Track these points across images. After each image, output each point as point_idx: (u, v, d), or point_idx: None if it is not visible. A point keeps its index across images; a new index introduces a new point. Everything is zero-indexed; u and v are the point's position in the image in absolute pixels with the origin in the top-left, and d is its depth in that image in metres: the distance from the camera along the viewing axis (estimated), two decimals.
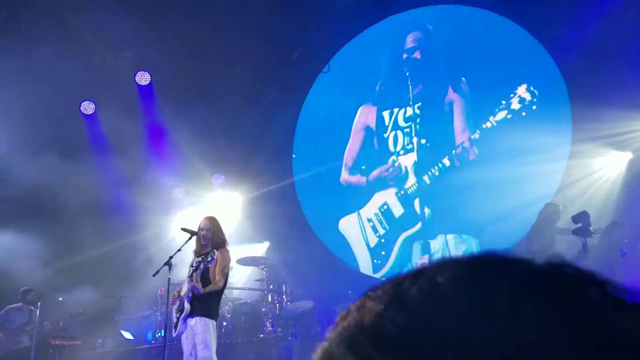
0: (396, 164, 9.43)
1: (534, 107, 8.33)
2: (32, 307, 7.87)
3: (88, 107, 9.89)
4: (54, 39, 8.50)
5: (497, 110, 8.54)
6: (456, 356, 0.38)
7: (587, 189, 7.98)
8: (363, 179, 9.79)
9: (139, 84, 9.74)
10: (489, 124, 8.61)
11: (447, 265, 0.44)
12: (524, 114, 8.37)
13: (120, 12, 8.58)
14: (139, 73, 9.67)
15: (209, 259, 5.18)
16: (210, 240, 5.50)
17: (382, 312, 0.42)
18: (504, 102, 8.49)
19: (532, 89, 8.39)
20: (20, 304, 8.15)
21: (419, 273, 0.44)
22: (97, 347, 8.44)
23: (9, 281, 8.92)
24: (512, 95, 8.46)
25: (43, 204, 9.39)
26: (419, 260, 8.15)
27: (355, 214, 9.77)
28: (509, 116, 8.45)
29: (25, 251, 9.31)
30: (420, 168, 9.20)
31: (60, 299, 8.97)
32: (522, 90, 8.40)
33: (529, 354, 0.38)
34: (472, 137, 8.79)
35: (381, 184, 9.58)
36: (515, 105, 8.41)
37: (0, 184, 9.08)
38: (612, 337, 0.39)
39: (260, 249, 9.68)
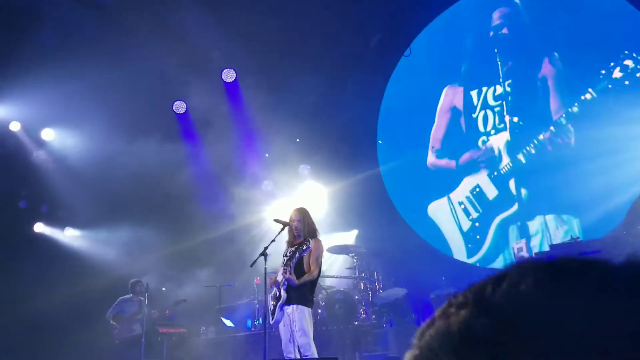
0: (487, 145, 9.08)
1: (638, 75, 7.67)
2: (141, 298, 8.43)
3: (180, 107, 10.37)
4: (151, 36, 8.99)
5: (596, 81, 7.95)
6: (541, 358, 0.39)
7: None
8: (452, 163, 9.52)
9: (225, 81, 10.06)
10: (588, 96, 8.04)
11: (528, 270, 0.44)
12: (627, 82, 7.72)
13: (205, 11, 8.91)
14: (225, 70, 9.99)
15: (304, 247, 5.28)
16: (302, 230, 5.60)
17: (470, 318, 0.42)
18: (603, 71, 7.89)
19: (634, 55, 7.72)
20: (131, 294, 8.75)
21: (500, 279, 0.44)
22: (201, 334, 8.89)
23: (119, 273, 9.64)
24: (612, 64, 7.83)
25: (142, 200, 10.01)
26: (516, 244, 7.79)
27: (445, 198, 9.53)
28: (609, 86, 7.83)
29: (131, 244, 10.01)
30: (513, 147, 8.79)
31: (164, 289, 9.53)
32: (624, 58, 7.76)
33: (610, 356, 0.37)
34: (570, 110, 8.25)
35: (471, 167, 9.26)
36: (616, 74, 7.79)
37: (103, 181, 9.79)
38: None
39: (349, 237, 9.71)
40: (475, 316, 0.42)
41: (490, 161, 9.02)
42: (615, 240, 5.88)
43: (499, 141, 8.97)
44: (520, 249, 6.92)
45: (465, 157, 9.32)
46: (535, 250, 7.96)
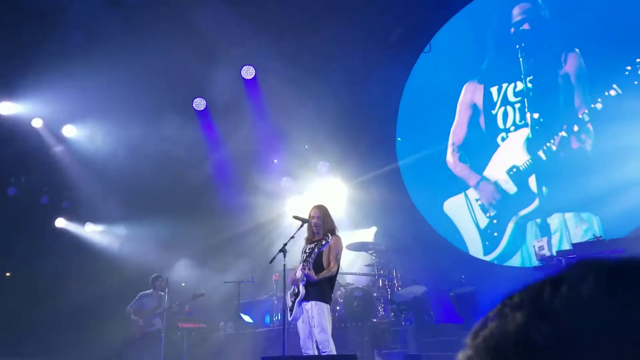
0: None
1: None
2: (162, 293, 8.52)
3: (200, 104, 10.43)
4: (172, 33, 9.06)
5: (622, 77, 7.82)
6: None
7: None
8: (472, 174, 9.47)
9: (244, 78, 10.09)
10: (612, 92, 7.91)
11: (588, 271, 0.41)
12: None
13: (225, 6, 8.94)
14: (244, 67, 10.02)
15: (323, 243, 5.29)
16: (321, 227, 5.61)
17: (527, 322, 0.40)
18: (629, 67, 7.76)
19: None
20: (151, 290, 8.84)
21: (559, 280, 0.42)
22: (220, 330, 8.96)
23: (139, 268, 9.75)
24: (638, 59, 7.70)
25: (163, 196, 10.11)
26: (537, 242, 7.68)
27: (462, 195, 9.48)
28: (635, 82, 7.70)
29: (151, 240, 10.12)
30: (534, 144, 8.70)
31: (183, 284, 9.62)
32: None
33: None
34: (593, 106, 8.13)
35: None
36: None
37: (124, 177, 9.90)
38: None
39: (368, 234, 9.70)
40: (532, 321, 0.40)
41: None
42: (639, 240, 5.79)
43: (518, 137, 8.88)
44: (541, 247, 6.82)
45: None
46: (555, 249, 7.87)
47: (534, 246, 7.82)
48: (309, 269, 5.31)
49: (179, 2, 9.05)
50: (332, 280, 5.62)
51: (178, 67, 9.46)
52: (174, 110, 10.12)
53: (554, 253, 6.66)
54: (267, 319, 8.64)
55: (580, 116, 8.26)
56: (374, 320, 7.74)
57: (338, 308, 7.82)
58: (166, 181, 9.89)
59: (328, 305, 5.46)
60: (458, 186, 9.55)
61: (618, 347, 0.36)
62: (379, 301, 8.12)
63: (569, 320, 0.39)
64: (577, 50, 8.48)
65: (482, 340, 0.44)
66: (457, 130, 9.75)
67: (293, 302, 5.54)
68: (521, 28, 9.01)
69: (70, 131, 10.57)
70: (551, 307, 0.40)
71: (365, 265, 8.87)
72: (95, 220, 10.87)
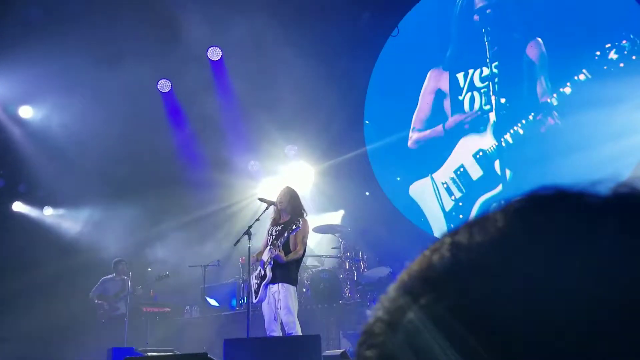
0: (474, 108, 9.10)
1: (634, 57, 7.68)
2: (125, 277, 8.38)
3: (165, 85, 10.20)
4: (137, 14, 8.80)
5: (591, 62, 7.94)
6: (504, 290, 0.34)
7: None
8: (439, 128, 9.48)
9: (211, 60, 9.90)
10: (582, 77, 8.03)
11: (502, 209, 0.39)
12: (621, 64, 7.73)
13: None
14: (210, 48, 9.82)
15: (294, 227, 5.25)
16: (288, 210, 5.58)
17: (431, 255, 0.38)
18: (598, 53, 7.88)
19: (632, 36, 7.73)
20: (113, 274, 8.69)
21: (476, 220, 0.40)
22: (185, 314, 8.88)
23: (101, 253, 9.55)
24: (608, 45, 7.83)
25: (127, 178, 9.89)
26: None
27: (428, 178, 9.57)
28: (605, 67, 7.83)
29: (114, 224, 9.91)
30: (499, 128, 8.82)
31: (149, 269, 9.49)
32: (621, 39, 7.77)
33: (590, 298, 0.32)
34: (562, 90, 8.25)
35: (459, 131, 9.27)
36: (612, 55, 7.79)
37: (84, 159, 9.64)
38: None
39: (335, 217, 9.72)
40: (438, 252, 0.38)
41: (476, 122, 9.03)
42: None
43: (485, 123, 8.99)
44: None
45: (451, 121, 9.33)
46: None
47: None
48: (280, 250, 5.27)
49: None
50: (298, 262, 5.64)
51: (142, 47, 9.20)
52: (139, 92, 9.87)
53: None
54: (233, 302, 8.60)
55: (549, 101, 8.38)
56: (340, 301, 7.79)
57: (304, 290, 7.84)
58: (128, 163, 9.66)
59: (295, 287, 5.48)
60: (424, 170, 9.63)
61: (527, 275, 0.34)
62: (345, 283, 8.17)
63: (474, 249, 0.36)
64: (539, 39, 8.59)
65: (397, 283, 0.42)
66: (420, 115, 9.81)
67: (258, 285, 5.51)
68: (486, 13, 9.08)
69: (27, 112, 10.19)
70: (457, 240, 0.38)
71: (332, 248, 8.90)
72: (55, 204, 10.56)
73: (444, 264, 0.37)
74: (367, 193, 10.01)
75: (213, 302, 8.80)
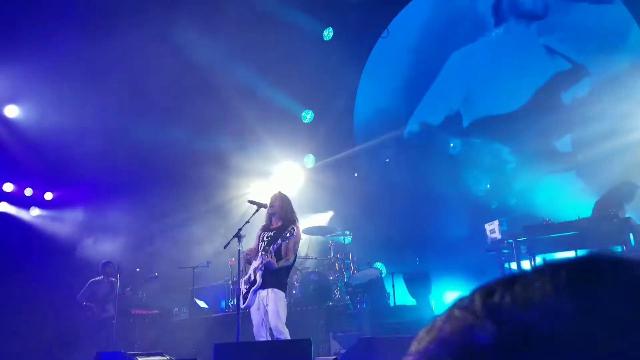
0: None
1: None
2: (113, 279, 8.30)
3: None
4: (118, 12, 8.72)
5: None
6: None
7: None
8: None
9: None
10: None
11: (546, 270, 0.37)
12: None
13: None
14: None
15: (287, 235, 5.20)
16: (281, 216, 5.54)
17: (472, 322, 0.36)
18: None
19: None
20: (101, 276, 8.61)
21: (512, 280, 0.38)
22: (174, 316, 8.82)
23: (88, 255, 9.46)
24: None
25: (111, 179, 9.79)
26: (487, 225, 7.83)
27: None
28: None
29: (102, 225, 9.82)
30: None
31: (137, 269, 9.41)
32: None
33: None
34: None
35: None
36: None
37: (69, 158, 9.54)
38: None
39: (324, 218, 9.71)
40: (478, 321, 0.36)
41: None
42: (590, 224, 5.94)
43: None
44: (492, 230, 6.95)
45: None
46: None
47: (485, 229, 8.00)
48: (271, 257, 5.22)
49: None
50: (288, 269, 5.60)
51: (127, 46, 9.11)
52: (124, 90, 9.77)
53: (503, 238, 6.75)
54: (223, 304, 8.56)
55: None
56: (330, 303, 7.78)
57: (294, 292, 7.82)
58: (116, 163, 9.56)
59: (284, 293, 5.44)
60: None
61: (567, 353, 0.33)
62: (335, 284, 8.17)
63: (519, 319, 0.35)
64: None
65: (424, 345, 0.39)
66: None
67: (247, 290, 5.48)
68: None
69: (12, 111, 10.05)
70: (502, 306, 0.36)
71: (322, 249, 8.88)
72: (41, 204, 10.44)
73: (488, 338, 0.35)
74: (355, 174, 10.01)
75: (202, 304, 8.75)
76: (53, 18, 8.83)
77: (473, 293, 0.41)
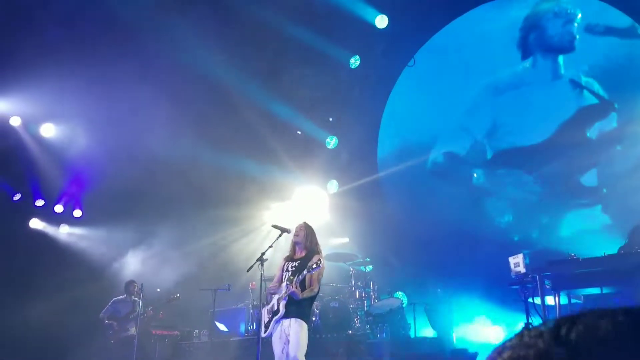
0: None
1: None
2: (135, 298, 8.40)
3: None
4: (150, 34, 8.98)
5: None
6: None
7: None
8: None
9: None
10: None
11: (604, 314, 0.49)
12: None
13: (207, 18, 8.93)
14: None
15: (314, 266, 5.20)
16: (305, 246, 5.56)
17: (547, 348, 0.48)
18: None
19: None
20: (124, 295, 8.71)
21: (574, 319, 0.50)
22: (194, 338, 8.84)
23: (113, 274, 9.61)
24: None
25: (140, 202, 9.97)
26: (511, 258, 7.75)
27: None
28: None
29: (127, 245, 9.98)
30: None
31: (158, 289, 9.48)
32: None
33: None
34: None
35: None
36: None
37: (100, 180, 9.75)
38: None
39: (345, 245, 9.70)
40: (552, 348, 0.48)
41: None
42: (617, 261, 5.83)
43: None
44: (517, 264, 6.88)
45: None
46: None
47: (509, 262, 7.92)
48: (296, 287, 5.22)
49: (159, 5, 9.01)
50: (312, 300, 5.57)
51: (160, 68, 9.37)
52: (156, 112, 10.00)
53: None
54: (242, 328, 8.57)
55: None
56: (350, 331, 7.73)
57: (314, 319, 7.78)
58: (145, 184, 9.75)
59: (307, 324, 5.40)
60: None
61: None
62: (355, 313, 8.12)
63: (585, 350, 0.47)
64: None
65: None
66: None
67: (269, 319, 5.47)
68: None
69: (48, 130, 10.38)
70: (568, 338, 0.48)
71: (343, 277, 8.85)
72: (71, 222, 10.68)
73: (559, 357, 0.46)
74: (377, 201, 10.02)
75: (222, 327, 8.77)
76: (88, 37, 9.15)
77: (540, 326, 0.53)
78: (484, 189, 9.50)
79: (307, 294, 5.29)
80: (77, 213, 10.72)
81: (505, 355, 0.51)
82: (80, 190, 10.42)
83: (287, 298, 5.27)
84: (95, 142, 10.01)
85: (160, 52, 9.41)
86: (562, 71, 8.85)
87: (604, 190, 8.22)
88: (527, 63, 9.18)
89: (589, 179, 8.40)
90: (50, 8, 9.06)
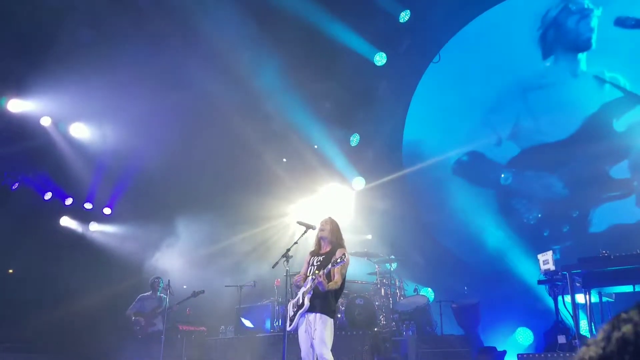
0: None
1: None
2: (162, 295, 8.51)
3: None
4: (180, 36, 9.08)
5: None
6: None
7: None
8: None
9: None
10: None
11: None
12: None
13: (232, 18, 8.98)
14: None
15: (339, 260, 5.20)
16: (330, 241, 5.56)
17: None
18: None
19: None
20: (150, 292, 8.83)
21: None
22: (220, 334, 8.92)
23: (141, 271, 9.75)
24: None
25: (171, 197, 10.10)
26: (540, 256, 7.59)
27: None
28: None
29: (155, 242, 10.11)
30: None
31: (185, 286, 9.59)
32: None
33: None
34: None
35: None
36: None
37: (129, 178, 9.90)
38: None
39: (371, 242, 9.65)
40: None
41: None
42: None
43: None
44: (546, 261, 6.74)
45: None
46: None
47: (538, 259, 7.77)
48: (323, 278, 5.21)
49: (187, 7, 9.08)
50: (337, 294, 5.55)
51: (186, 69, 9.46)
52: (182, 111, 10.11)
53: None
54: (268, 324, 8.60)
55: None
56: (375, 329, 7.68)
57: (339, 316, 7.76)
58: (173, 182, 9.87)
59: (332, 319, 5.38)
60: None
61: None
62: (381, 310, 8.07)
63: None
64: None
65: (614, 342, 0.57)
66: None
67: (295, 313, 5.47)
68: None
69: (78, 129, 10.58)
70: None
71: (368, 274, 8.81)
72: (100, 219, 10.88)
73: None
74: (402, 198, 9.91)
75: (248, 323, 8.82)
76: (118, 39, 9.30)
77: (630, 311, 0.58)
78: (511, 185, 9.35)
79: (332, 285, 5.29)
80: (107, 211, 10.92)
81: (601, 343, 0.57)
82: (109, 188, 10.60)
83: (312, 292, 5.27)
84: (123, 141, 10.17)
85: (188, 52, 9.49)
86: (584, 68, 8.68)
87: (634, 184, 8.02)
88: (549, 62, 9.05)
89: (620, 171, 8.21)
90: (81, 10, 9.23)
